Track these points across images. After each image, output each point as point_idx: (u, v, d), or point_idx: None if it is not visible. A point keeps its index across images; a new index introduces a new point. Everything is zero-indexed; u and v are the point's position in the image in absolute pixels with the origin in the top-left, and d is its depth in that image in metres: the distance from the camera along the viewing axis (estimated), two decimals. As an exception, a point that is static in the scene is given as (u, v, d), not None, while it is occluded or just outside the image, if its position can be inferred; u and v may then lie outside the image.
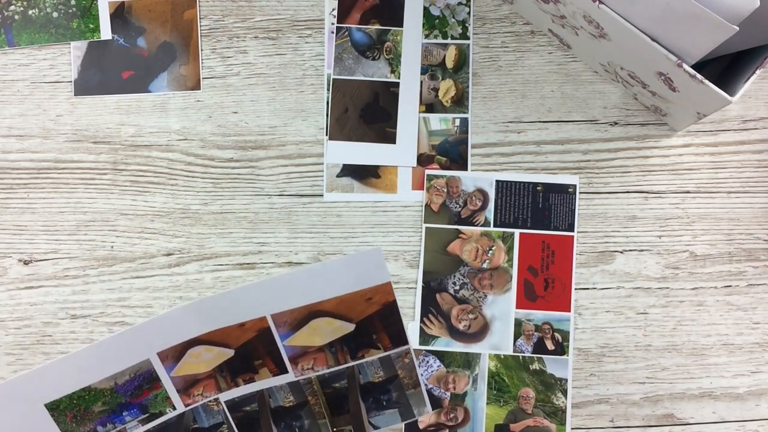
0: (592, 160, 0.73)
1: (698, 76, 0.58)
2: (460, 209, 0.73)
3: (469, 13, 0.74)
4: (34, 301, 0.73)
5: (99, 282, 0.73)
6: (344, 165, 0.74)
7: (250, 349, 0.62)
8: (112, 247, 0.73)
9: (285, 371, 0.63)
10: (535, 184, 0.73)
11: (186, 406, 0.64)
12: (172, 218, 0.73)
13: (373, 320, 0.61)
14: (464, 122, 0.74)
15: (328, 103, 0.74)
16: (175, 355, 0.61)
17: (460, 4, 0.74)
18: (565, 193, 0.73)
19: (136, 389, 0.62)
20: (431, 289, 0.72)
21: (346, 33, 0.74)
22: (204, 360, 0.62)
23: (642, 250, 0.73)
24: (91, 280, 0.73)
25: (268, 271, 0.73)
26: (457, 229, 0.72)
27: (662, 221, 0.73)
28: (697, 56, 0.59)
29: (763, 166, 0.73)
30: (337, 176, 0.73)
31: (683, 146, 0.73)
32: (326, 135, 0.74)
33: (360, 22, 0.74)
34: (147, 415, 0.63)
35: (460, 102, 0.74)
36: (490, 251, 0.72)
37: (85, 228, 0.73)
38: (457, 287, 0.72)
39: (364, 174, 0.73)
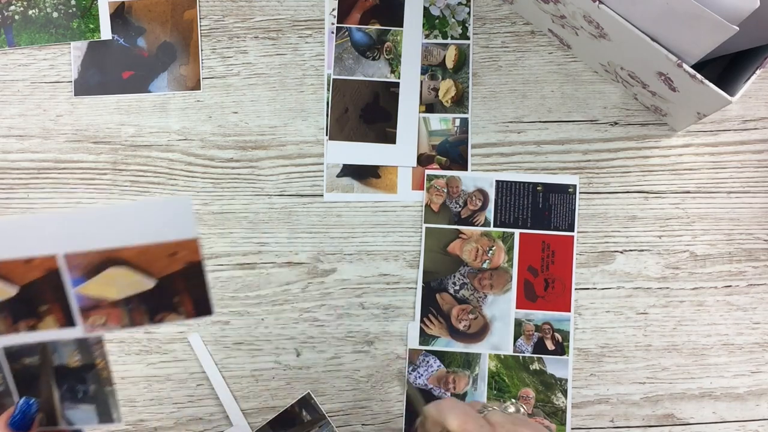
0: (592, 160, 0.73)
1: (698, 76, 0.58)
2: (460, 209, 0.73)
3: (469, 13, 0.74)
4: (34, 301, 0.73)
5: (99, 282, 0.73)
6: (344, 165, 0.74)
7: (36, 290, 0.55)
8: (112, 247, 0.73)
9: (73, 324, 0.56)
10: (535, 184, 0.73)
11: None
12: (172, 218, 0.73)
13: (176, 280, 0.54)
14: (464, 122, 0.74)
15: (328, 103, 0.74)
16: None
17: (460, 4, 0.74)
18: (565, 193, 0.73)
19: None
20: (431, 289, 0.72)
21: (346, 33, 0.74)
22: None
23: (642, 250, 0.73)
24: (91, 280, 0.73)
25: (268, 271, 0.73)
26: (457, 229, 0.72)
27: (662, 221, 0.73)
28: (698, 56, 0.59)
29: (764, 166, 0.73)
30: (337, 176, 0.73)
31: (683, 146, 0.73)
32: (326, 135, 0.74)
33: (360, 22, 0.74)
34: None
35: (460, 102, 0.74)
36: (490, 251, 0.72)
37: (85, 228, 0.73)
38: (457, 287, 0.72)
39: (364, 174, 0.73)
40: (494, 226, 0.72)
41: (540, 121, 0.74)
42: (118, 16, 0.75)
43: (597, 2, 0.59)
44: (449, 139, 0.73)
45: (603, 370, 0.72)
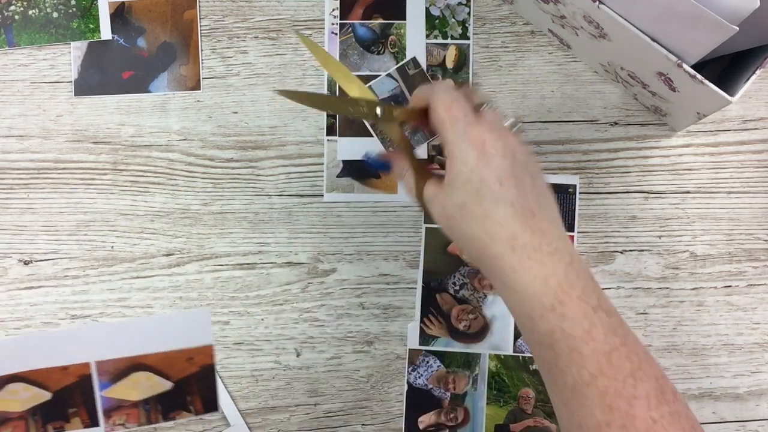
0: (592, 160, 0.73)
1: (698, 76, 0.58)
2: None
3: (469, 14, 0.74)
4: (34, 301, 0.73)
5: (99, 282, 0.73)
6: (344, 165, 0.74)
7: (68, 395, 0.61)
8: (112, 247, 0.73)
9: (96, 425, 0.61)
10: None
11: None
12: (172, 218, 0.73)
13: (191, 381, 0.60)
14: (464, 122, 0.73)
15: (328, 103, 0.74)
16: None
17: (460, 4, 0.74)
18: (565, 193, 0.72)
19: None
20: (431, 289, 0.72)
21: (350, 29, 0.74)
22: (20, 399, 0.60)
23: (642, 251, 0.73)
24: (91, 280, 0.73)
25: (268, 271, 0.73)
26: None
27: (662, 221, 0.73)
28: (697, 56, 0.59)
29: (764, 167, 0.73)
30: (338, 176, 0.73)
31: (683, 146, 0.73)
32: (326, 135, 0.74)
33: (362, 17, 0.74)
34: None
35: (460, 102, 0.74)
36: None
37: (85, 228, 0.73)
38: (457, 287, 0.72)
39: (364, 174, 0.73)
40: None
41: (540, 121, 0.74)
42: (118, 16, 0.75)
43: (597, 2, 0.59)
44: (449, 139, 0.73)
45: (603, 370, 0.72)
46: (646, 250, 0.73)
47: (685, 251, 0.73)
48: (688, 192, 0.73)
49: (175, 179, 0.74)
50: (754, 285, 0.72)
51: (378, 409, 0.72)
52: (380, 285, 0.73)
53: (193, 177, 0.74)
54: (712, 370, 0.72)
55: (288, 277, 0.73)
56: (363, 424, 0.72)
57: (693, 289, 0.72)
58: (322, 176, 0.74)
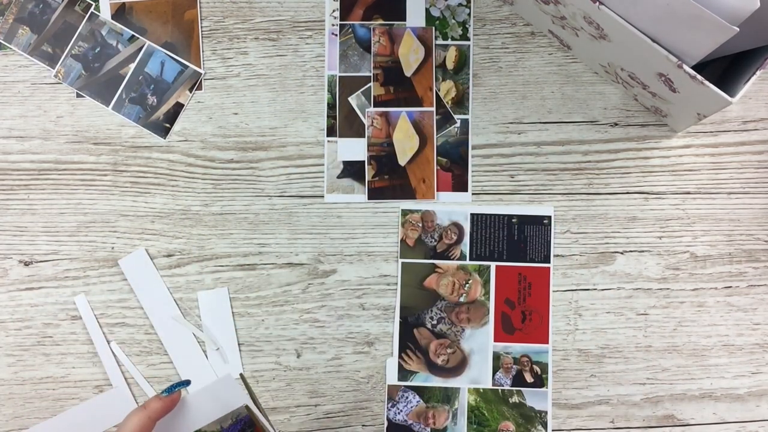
0: (592, 161, 0.74)
1: (699, 77, 0.58)
2: (435, 243, 0.72)
3: (469, 14, 0.74)
4: (35, 302, 0.73)
5: (99, 283, 0.73)
6: (345, 166, 0.74)
7: None
8: (112, 248, 0.73)
9: None
10: (510, 217, 0.72)
11: None
12: (173, 219, 0.73)
13: None
14: (465, 123, 0.74)
15: (328, 104, 0.74)
16: None
17: (460, 5, 0.74)
18: (540, 224, 0.72)
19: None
20: (409, 324, 0.72)
21: (350, 30, 0.74)
22: None
23: (642, 251, 0.73)
24: (92, 281, 0.73)
25: (269, 272, 0.73)
26: (433, 264, 0.72)
27: (662, 222, 0.73)
28: (698, 57, 0.59)
29: (764, 167, 0.73)
30: (338, 177, 0.73)
31: (683, 147, 0.73)
32: (326, 136, 0.74)
33: (363, 18, 0.74)
34: None
35: (460, 103, 0.74)
36: (467, 285, 0.72)
37: (86, 229, 0.73)
38: (435, 322, 0.72)
39: (364, 175, 0.73)
40: (470, 259, 0.72)
41: (540, 122, 0.74)
42: (119, 16, 0.75)
43: (597, 3, 0.59)
44: (450, 140, 0.73)
45: (603, 371, 0.72)
46: (646, 250, 0.73)
47: (685, 252, 0.73)
48: (688, 193, 0.73)
49: (176, 180, 0.74)
50: (755, 286, 0.72)
51: (378, 409, 0.72)
52: (381, 286, 0.73)
53: (193, 178, 0.74)
54: (712, 371, 0.72)
55: (288, 277, 0.73)
56: (363, 425, 0.72)
57: (693, 289, 0.72)
58: (323, 177, 0.74)
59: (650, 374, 0.72)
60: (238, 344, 0.72)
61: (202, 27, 0.75)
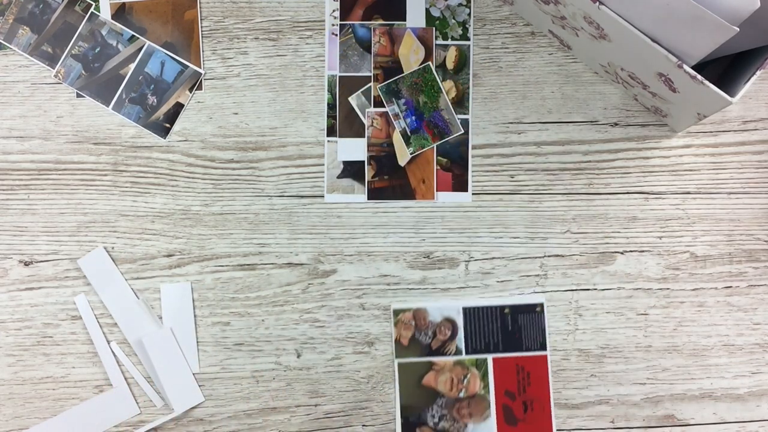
0: (592, 161, 0.74)
1: (699, 77, 0.58)
2: (430, 341, 0.72)
3: (469, 14, 0.75)
4: (35, 302, 0.73)
5: (99, 283, 0.73)
6: (345, 166, 0.74)
7: None
8: (112, 248, 0.73)
9: None
10: (502, 308, 0.72)
11: None
12: (173, 219, 0.73)
13: None
14: (465, 123, 0.74)
15: (328, 104, 0.74)
16: None
17: (460, 5, 0.74)
18: (533, 312, 0.72)
19: None
20: (410, 424, 0.71)
21: (350, 30, 0.74)
22: None
23: (642, 251, 0.73)
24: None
25: (269, 272, 0.73)
26: (429, 361, 0.71)
27: (663, 222, 0.73)
28: (698, 57, 0.59)
29: (764, 167, 0.73)
30: (338, 177, 0.73)
31: (684, 147, 0.74)
32: (326, 136, 0.74)
33: (362, 18, 0.74)
34: None
35: (460, 103, 0.74)
36: (465, 379, 0.71)
37: (86, 229, 0.73)
38: (437, 419, 0.71)
39: (365, 175, 0.73)
40: (466, 353, 0.71)
41: (540, 122, 0.74)
42: (119, 16, 0.75)
43: (597, 3, 0.59)
44: (450, 141, 0.73)
45: (603, 371, 0.72)
46: (646, 250, 0.73)
47: (685, 252, 0.73)
48: (688, 193, 0.73)
49: (176, 180, 0.74)
50: (755, 286, 0.72)
51: (378, 409, 0.72)
52: (381, 286, 0.73)
53: (193, 178, 0.74)
54: (712, 371, 0.72)
55: (288, 277, 0.73)
56: (363, 425, 0.72)
57: (693, 289, 0.72)
58: (323, 177, 0.74)
59: (650, 374, 0.72)
60: (197, 341, 0.72)
61: (202, 27, 0.75)
